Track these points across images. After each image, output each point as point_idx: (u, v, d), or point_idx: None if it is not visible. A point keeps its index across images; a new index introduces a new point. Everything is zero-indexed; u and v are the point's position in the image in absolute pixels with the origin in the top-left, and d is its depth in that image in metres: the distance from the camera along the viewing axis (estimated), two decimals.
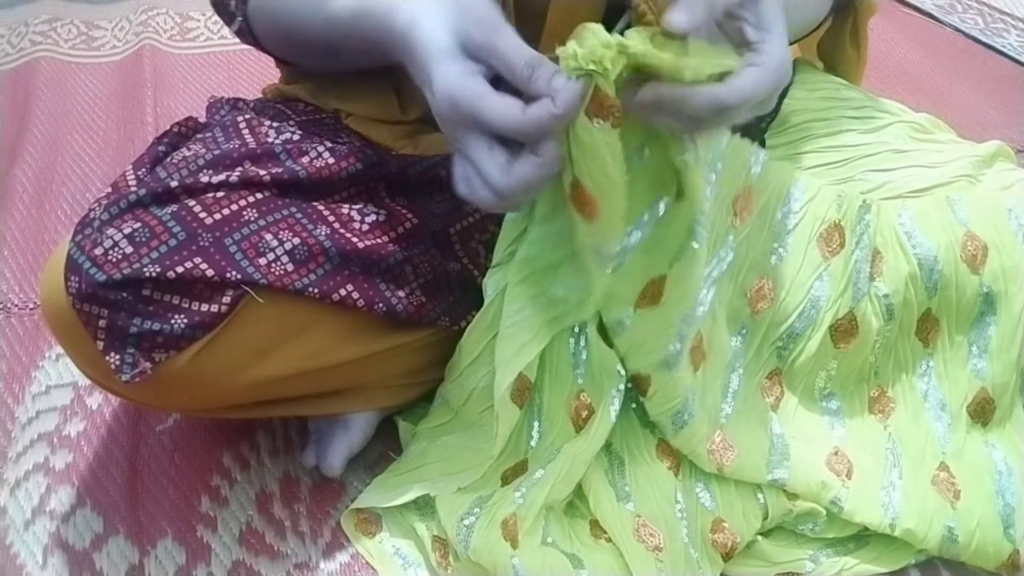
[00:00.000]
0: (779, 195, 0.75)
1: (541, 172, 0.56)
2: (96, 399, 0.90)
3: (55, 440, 0.86)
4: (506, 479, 0.74)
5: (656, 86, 0.55)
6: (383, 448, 0.83)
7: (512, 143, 0.56)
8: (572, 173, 0.59)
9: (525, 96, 0.55)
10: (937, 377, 0.78)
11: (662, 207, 0.67)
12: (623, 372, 0.72)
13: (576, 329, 0.72)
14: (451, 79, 0.56)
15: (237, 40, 0.79)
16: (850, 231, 0.75)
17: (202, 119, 0.80)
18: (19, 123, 1.33)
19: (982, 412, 0.77)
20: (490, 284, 0.71)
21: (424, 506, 0.76)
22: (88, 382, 0.86)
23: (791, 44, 0.81)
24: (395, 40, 0.60)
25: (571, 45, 0.54)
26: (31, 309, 1.01)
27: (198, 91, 1.41)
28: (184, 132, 0.77)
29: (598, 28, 0.55)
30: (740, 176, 0.73)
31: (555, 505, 0.74)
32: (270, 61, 0.83)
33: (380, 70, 0.74)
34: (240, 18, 0.75)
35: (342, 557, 0.76)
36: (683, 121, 0.57)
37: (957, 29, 1.59)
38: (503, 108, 0.55)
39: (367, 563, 0.75)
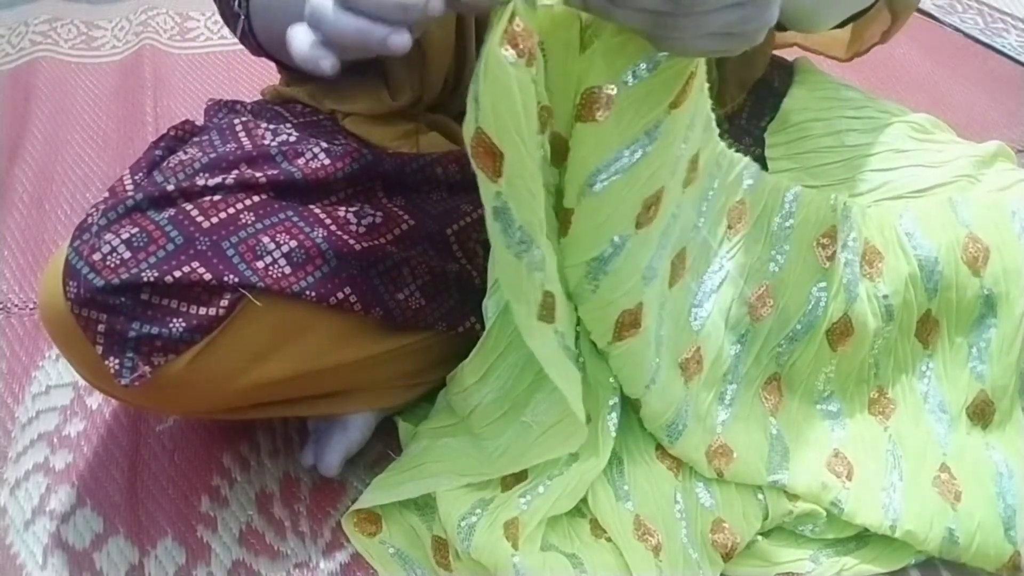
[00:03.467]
0: (774, 204, 0.75)
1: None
2: (96, 399, 0.90)
3: (55, 440, 0.86)
4: (506, 485, 0.74)
5: None
6: (383, 448, 0.83)
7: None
8: (474, 120, 0.55)
9: None
10: (937, 378, 0.78)
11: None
12: (616, 383, 0.72)
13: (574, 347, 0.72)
14: None
15: (237, 41, 0.79)
16: (839, 235, 0.75)
17: (200, 121, 0.80)
18: (19, 123, 1.33)
19: (981, 414, 0.77)
20: (490, 305, 0.71)
21: (424, 506, 0.76)
22: None
23: (840, 25, 0.78)
24: None
25: None
26: (31, 309, 1.01)
27: (198, 91, 1.41)
28: (181, 136, 0.77)
29: None
30: (735, 190, 0.73)
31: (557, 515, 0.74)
32: (269, 61, 0.83)
33: (371, 66, 0.74)
34: (243, 16, 0.75)
35: (342, 557, 0.76)
36: (646, 22, 0.53)
37: (957, 29, 1.59)
38: None
39: (367, 563, 0.75)
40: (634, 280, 0.66)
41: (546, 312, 0.64)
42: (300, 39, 0.53)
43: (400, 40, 0.52)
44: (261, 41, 0.77)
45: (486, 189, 0.58)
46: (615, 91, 0.57)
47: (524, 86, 0.53)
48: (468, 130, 0.56)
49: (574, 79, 0.58)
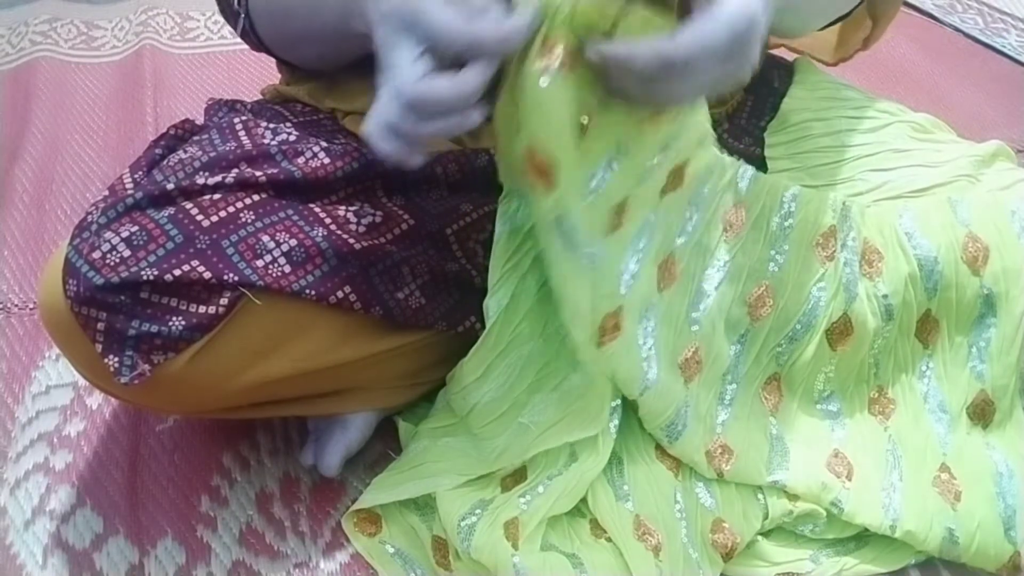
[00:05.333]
0: (772, 203, 0.75)
1: (455, 94, 0.54)
2: (96, 399, 0.90)
3: (55, 440, 0.86)
4: (506, 486, 0.74)
5: (599, 43, 0.54)
6: (383, 448, 0.83)
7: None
8: (525, 139, 0.57)
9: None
10: (937, 378, 0.78)
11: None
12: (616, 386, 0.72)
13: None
14: None
15: (237, 40, 0.79)
16: (839, 234, 0.75)
17: (200, 121, 0.80)
18: (19, 123, 1.33)
19: (982, 414, 0.77)
20: (491, 304, 0.71)
21: (424, 506, 0.76)
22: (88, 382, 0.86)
23: (823, 28, 0.80)
24: None
25: None
26: (31, 309, 1.01)
27: (198, 91, 1.41)
28: (181, 135, 0.77)
29: None
30: (728, 193, 0.73)
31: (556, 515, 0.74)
32: (270, 61, 0.83)
33: (373, 66, 0.74)
34: (243, 15, 0.75)
35: (342, 557, 0.76)
36: (636, 84, 0.56)
37: (957, 29, 1.59)
38: (448, 14, 0.53)
39: (367, 563, 0.75)
40: (611, 284, 0.67)
41: (610, 333, 0.68)
42: (377, 135, 0.56)
43: (477, 117, 0.55)
44: (263, 38, 0.77)
45: (542, 205, 0.61)
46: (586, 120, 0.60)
47: (566, 99, 0.57)
48: (514, 152, 0.59)
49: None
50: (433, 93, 0.54)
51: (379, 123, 0.55)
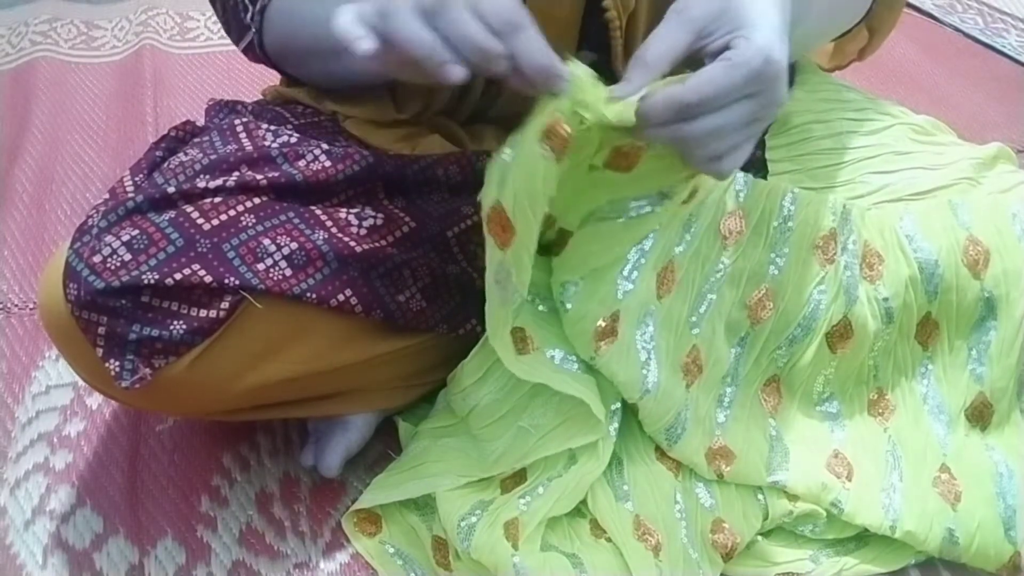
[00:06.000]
0: (772, 207, 0.75)
1: (464, 35, 0.51)
2: (96, 399, 0.90)
3: (55, 440, 0.87)
4: (505, 488, 0.74)
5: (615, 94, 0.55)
6: (383, 448, 0.83)
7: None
8: (496, 194, 0.58)
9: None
10: (936, 380, 0.78)
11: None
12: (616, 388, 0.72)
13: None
14: None
15: None
16: (839, 237, 0.75)
17: (201, 121, 0.80)
18: (19, 123, 1.33)
19: (980, 416, 0.77)
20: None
21: (424, 506, 0.76)
22: None
23: (825, 43, 0.80)
24: None
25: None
26: (31, 309, 1.01)
27: (198, 91, 1.41)
28: (181, 136, 0.77)
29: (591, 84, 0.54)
30: (727, 199, 0.73)
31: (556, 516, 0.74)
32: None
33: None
34: (254, 31, 0.74)
35: (342, 557, 0.76)
36: (665, 137, 0.56)
37: (957, 29, 1.60)
38: None
39: (367, 563, 0.75)
40: (607, 290, 0.68)
41: (522, 345, 0.69)
42: (348, 13, 0.53)
43: (458, 73, 0.52)
44: (271, 54, 0.76)
45: (492, 254, 0.62)
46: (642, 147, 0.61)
47: (549, 178, 0.57)
48: (487, 200, 0.59)
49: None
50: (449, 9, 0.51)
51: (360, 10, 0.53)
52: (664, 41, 0.54)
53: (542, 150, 0.55)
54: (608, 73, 0.57)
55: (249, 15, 0.74)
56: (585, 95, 0.54)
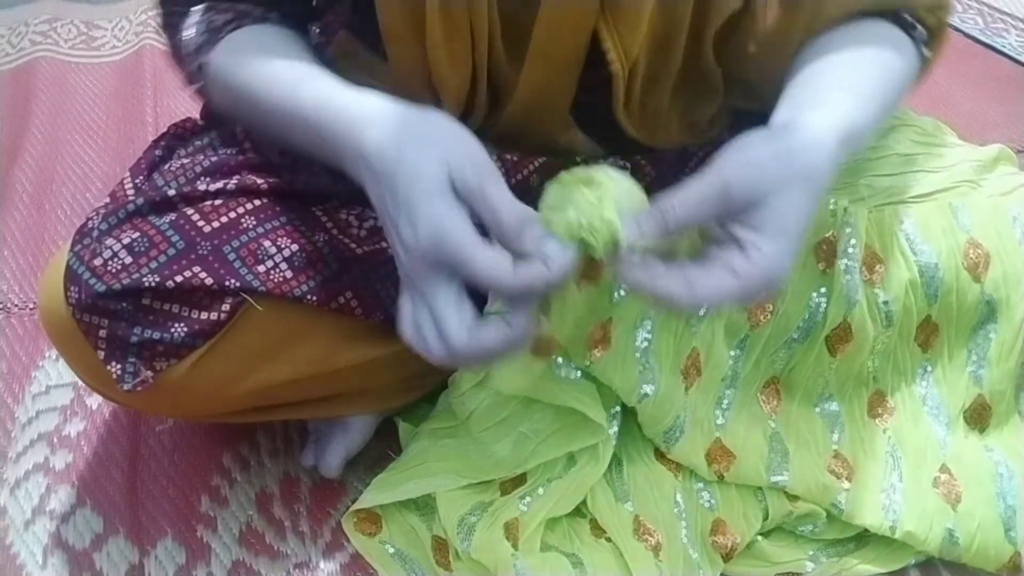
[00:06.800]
0: None
1: (507, 343, 0.53)
2: (96, 399, 0.90)
3: (55, 440, 0.87)
4: (505, 489, 0.74)
5: (622, 266, 0.53)
6: (383, 448, 0.83)
7: (476, 298, 0.54)
8: (545, 325, 0.59)
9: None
10: (935, 382, 0.78)
11: None
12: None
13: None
14: (442, 217, 0.52)
15: None
16: (839, 241, 0.75)
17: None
18: (19, 123, 1.33)
19: (978, 419, 0.77)
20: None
21: (424, 506, 0.76)
22: None
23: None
24: (365, 154, 0.56)
25: (571, 212, 0.52)
26: (31, 309, 1.01)
27: None
28: (181, 134, 0.77)
29: (599, 196, 0.52)
30: None
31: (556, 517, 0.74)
32: None
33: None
34: (197, 84, 0.71)
35: (342, 557, 0.76)
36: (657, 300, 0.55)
37: (957, 29, 1.59)
38: (493, 262, 0.51)
39: (367, 563, 0.75)
40: (602, 297, 0.69)
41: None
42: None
43: (527, 329, 0.54)
44: (219, 105, 0.72)
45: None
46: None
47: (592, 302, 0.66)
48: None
49: None
50: (486, 349, 0.53)
51: (430, 349, 0.54)
52: (689, 209, 0.52)
53: (580, 287, 0.61)
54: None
55: (188, 72, 0.71)
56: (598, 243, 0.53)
